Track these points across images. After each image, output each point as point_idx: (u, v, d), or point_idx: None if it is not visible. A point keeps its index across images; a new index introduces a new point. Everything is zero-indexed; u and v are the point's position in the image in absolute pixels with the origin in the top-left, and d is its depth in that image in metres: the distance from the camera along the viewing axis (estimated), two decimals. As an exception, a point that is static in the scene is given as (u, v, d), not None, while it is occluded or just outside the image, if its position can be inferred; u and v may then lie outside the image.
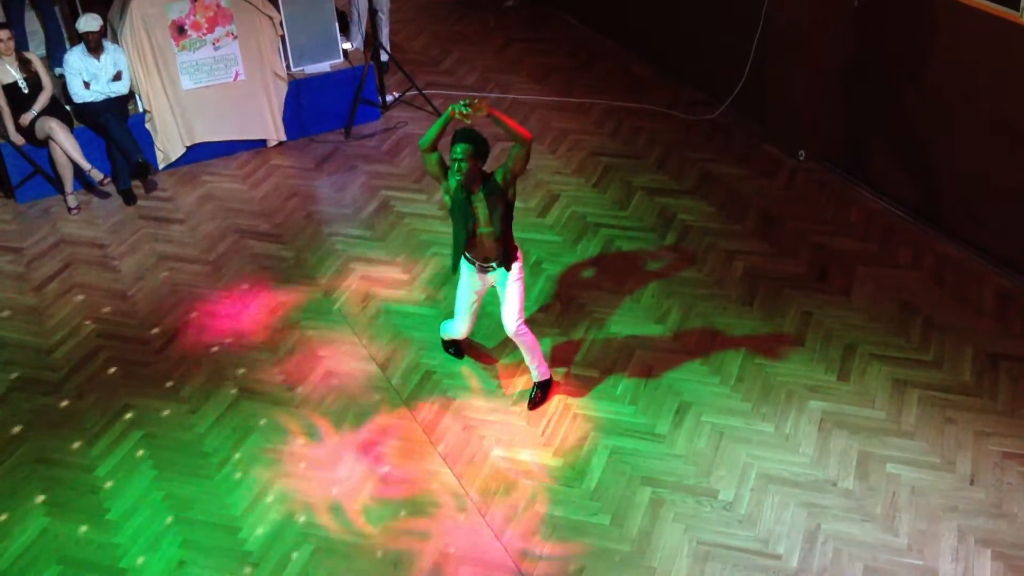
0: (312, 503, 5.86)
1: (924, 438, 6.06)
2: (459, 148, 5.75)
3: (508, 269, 6.11)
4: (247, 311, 7.34)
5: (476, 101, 5.70)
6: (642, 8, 10.37)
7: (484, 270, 6.16)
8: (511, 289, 6.17)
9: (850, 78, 8.15)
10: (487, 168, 5.97)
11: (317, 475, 6.04)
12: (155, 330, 7.21)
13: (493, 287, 6.31)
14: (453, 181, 5.89)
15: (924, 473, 5.84)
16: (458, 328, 6.52)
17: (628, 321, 7.07)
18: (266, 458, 6.16)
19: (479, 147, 5.79)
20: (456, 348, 6.85)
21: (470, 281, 6.25)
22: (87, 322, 7.32)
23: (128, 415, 6.52)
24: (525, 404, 6.42)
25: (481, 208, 5.92)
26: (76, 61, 8.48)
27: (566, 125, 9.46)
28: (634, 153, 8.99)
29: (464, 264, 6.19)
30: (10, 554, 5.66)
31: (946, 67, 7.34)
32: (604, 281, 7.47)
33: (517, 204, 8.24)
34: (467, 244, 6.04)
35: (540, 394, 6.44)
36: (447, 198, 5.99)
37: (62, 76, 8.68)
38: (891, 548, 5.44)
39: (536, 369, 6.41)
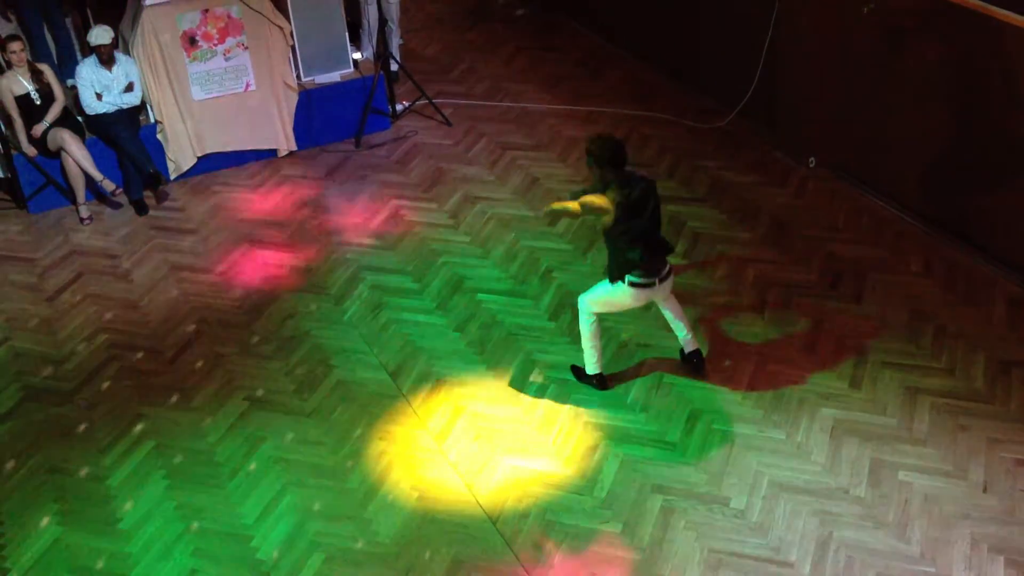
0: (324, 511, 5.87)
1: (936, 445, 6.04)
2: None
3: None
4: (258, 319, 7.37)
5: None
6: (652, 17, 10.38)
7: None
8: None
9: (860, 85, 8.14)
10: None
11: (328, 483, 6.05)
12: (166, 340, 7.24)
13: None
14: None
15: (936, 480, 5.82)
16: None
17: (639, 328, 7.06)
18: (278, 467, 6.17)
19: (592, 154, 6.03)
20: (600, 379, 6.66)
21: None
22: (99, 332, 7.35)
23: (140, 425, 6.54)
24: (536, 413, 6.42)
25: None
26: (88, 72, 8.52)
27: (576, 134, 9.46)
28: (644, 161, 8.99)
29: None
30: (23, 564, 5.67)
31: (956, 73, 7.33)
32: (614, 289, 7.46)
33: (526, 213, 8.28)
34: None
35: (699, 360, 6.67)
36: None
37: (74, 87, 8.73)
38: (903, 556, 5.41)
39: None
